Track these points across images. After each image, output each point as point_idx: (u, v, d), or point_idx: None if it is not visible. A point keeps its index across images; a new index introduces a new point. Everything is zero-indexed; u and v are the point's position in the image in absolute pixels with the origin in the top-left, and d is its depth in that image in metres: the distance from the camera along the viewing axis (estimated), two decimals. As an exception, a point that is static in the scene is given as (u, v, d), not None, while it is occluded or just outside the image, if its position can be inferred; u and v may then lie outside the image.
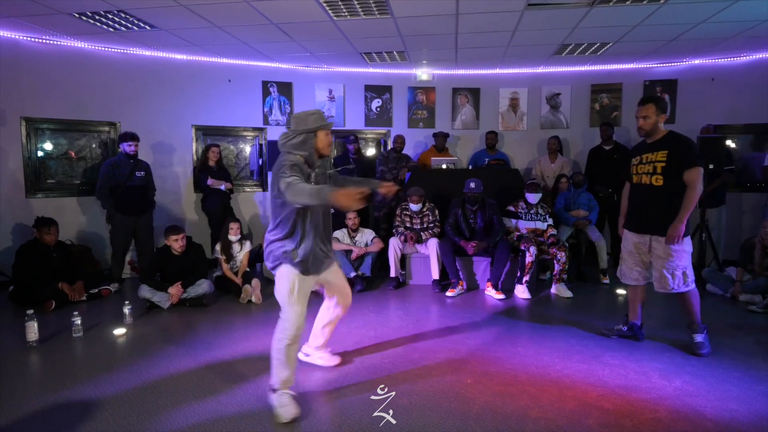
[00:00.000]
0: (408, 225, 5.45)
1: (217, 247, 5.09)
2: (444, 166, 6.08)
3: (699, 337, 3.36)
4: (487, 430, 2.43)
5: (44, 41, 5.49)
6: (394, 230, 5.47)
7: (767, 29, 5.11)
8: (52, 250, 4.71)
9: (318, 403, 2.71)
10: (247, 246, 5.14)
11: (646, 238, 3.37)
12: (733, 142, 6.58)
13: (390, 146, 6.94)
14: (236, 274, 4.99)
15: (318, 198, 2.35)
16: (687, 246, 3.28)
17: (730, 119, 6.51)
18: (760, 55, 6.27)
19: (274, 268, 2.68)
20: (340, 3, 4.33)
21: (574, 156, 7.15)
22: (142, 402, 2.73)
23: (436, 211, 5.43)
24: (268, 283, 4.71)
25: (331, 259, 2.89)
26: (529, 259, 4.83)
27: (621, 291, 5.01)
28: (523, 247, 4.88)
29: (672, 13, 4.61)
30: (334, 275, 2.97)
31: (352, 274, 5.17)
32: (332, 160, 6.71)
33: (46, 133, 5.71)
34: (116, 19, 4.75)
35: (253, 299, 4.69)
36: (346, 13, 4.59)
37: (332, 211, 5.91)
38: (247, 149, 6.93)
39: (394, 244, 5.26)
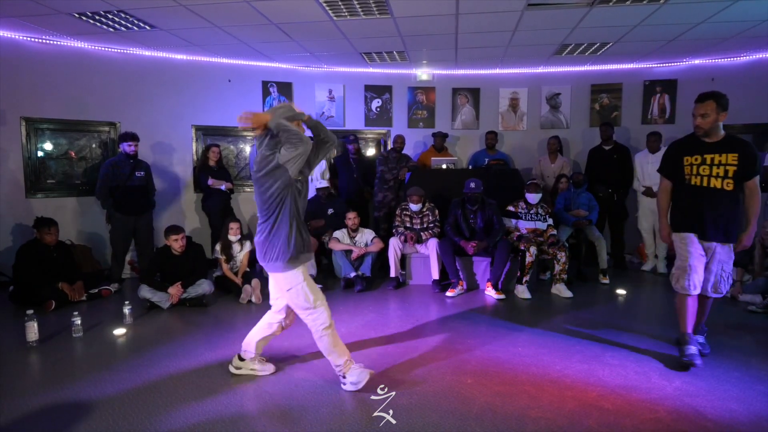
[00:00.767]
0: (408, 225, 5.45)
1: (217, 247, 5.09)
2: (444, 166, 6.09)
3: (701, 339, 3.39)
4: (487, 430, 2.43)
5: (44, 41, 5.49)
6: (394, 230, 5.47)
7: (767, 29, 5.11)
8: (52, 250, 4.72)
9: (318, 403, 2.71)
10: (247, 246, 5.14)
11: (713, 244, 3.14)
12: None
13: (390, 146, 6.94)
14: (236, 274, 5.00)
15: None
16: None
17: (730, 119, 6.26)
18: (760, 55, 6.28)
19: (277, 268, 2.72)
20: (340, 3, 4.33)
21: (574, 156, 7.15)
22: (142, 402, 2.73)
23: (436, 211, 5.43)
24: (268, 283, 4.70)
25: (311, 253, 2.98)
26: (529, 259, 4.83)
27: (621, 291, 5.02)
28: (523, 247, 4.88)
29: (672, 13, 4.61)
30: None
31: (352, 274, 5.17)
32: (332, 160, 6.74)
33: (46, 133, 5.71)
34: (116, 19, 4.75)
35: (253, 299, 4.69)
36: (346, 13, 4.59)
37: (331, 211, 5.90)
38: (247, 149, 6.93)
39: (394, 244, 5.26)
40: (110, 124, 6.03)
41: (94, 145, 6.01)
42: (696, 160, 3.15)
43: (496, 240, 5.00)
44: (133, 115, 6.06)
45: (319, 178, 5.93)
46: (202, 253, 4.91)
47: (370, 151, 7.42)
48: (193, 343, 3.64)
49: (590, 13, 4.61)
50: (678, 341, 3.29)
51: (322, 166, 6.21)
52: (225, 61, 6.52)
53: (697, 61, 6.62)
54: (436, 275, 5.17)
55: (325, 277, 5.53)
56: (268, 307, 3.05)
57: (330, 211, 5.80)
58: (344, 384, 2.84)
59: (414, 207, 5.35)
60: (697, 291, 3.18)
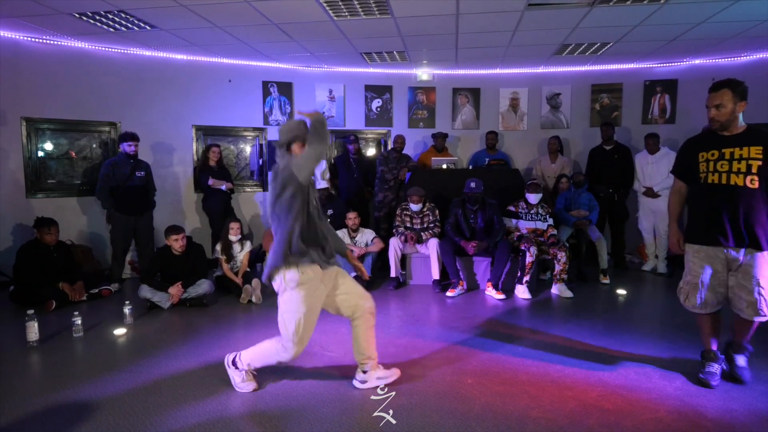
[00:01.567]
0: (408, 225, 5.45)
1: (218, 247, 5.09)
2: (444, 166, 6.09)
3: (743, 359, 2.94)
4: (488, 430, 2.43)
5: (45, 41, 5.49)
6: (394, 230, 5.47)
7: (767, 29, 5.11)
8: (53, 250, 4.72)
9: (318, 403, 2.71)
10: (248, 246, 5.14)
11: (740, 253, 2.71)
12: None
13: (390, 146, 6.94)
14: (236, 274, 5.00)
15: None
16: None
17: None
18: (760, 55, 6.27)
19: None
20: (340, 3, 4.33)
21: (575, 156, 7.15)
22: (142, 402, 2.73)
23: (437, 211, 5.43)
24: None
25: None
26: (529, 259, 4.83)
27: (621, 291, 5.02)
28: (523, 247, 4.88)
29: (672, 13, 4.61)
30: None
31: (353, 275, 5.16)
32: (332, 160, 6.74)
33: (47, 133, 5.71)
34: (116, 19, 4.76)
35: (254, 299, 4.69)
36: (347, 13, 4.59)
37: (330, 211, 5.90)
38: (248, 149, 6.94)
39: (395, 244, 5.26)
40: (110, 124, 6.03)
41: (94, 145, 6.01)
42: (712, 155, 2.77)
43: (497, 240, 5.00)
44: (133, 115, 6.06)
45: (319, 179, 5.93)
46: (202, 253, 4.91)
47: (371, 151, 7.42)
48: (193, 343, 3.64)
49: (590, 13, 4.61)
50: (702, 355, 2.99)
51: (322, 166, 6.21)
52: (225, 61, 6.52)
53: (697, 61, 6.62)
54: (436, 275, 5.17)
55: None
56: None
57: (330, 211, 5.81)
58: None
59: (414, 207, 5.35)
60: (709, 309, 2.85)
